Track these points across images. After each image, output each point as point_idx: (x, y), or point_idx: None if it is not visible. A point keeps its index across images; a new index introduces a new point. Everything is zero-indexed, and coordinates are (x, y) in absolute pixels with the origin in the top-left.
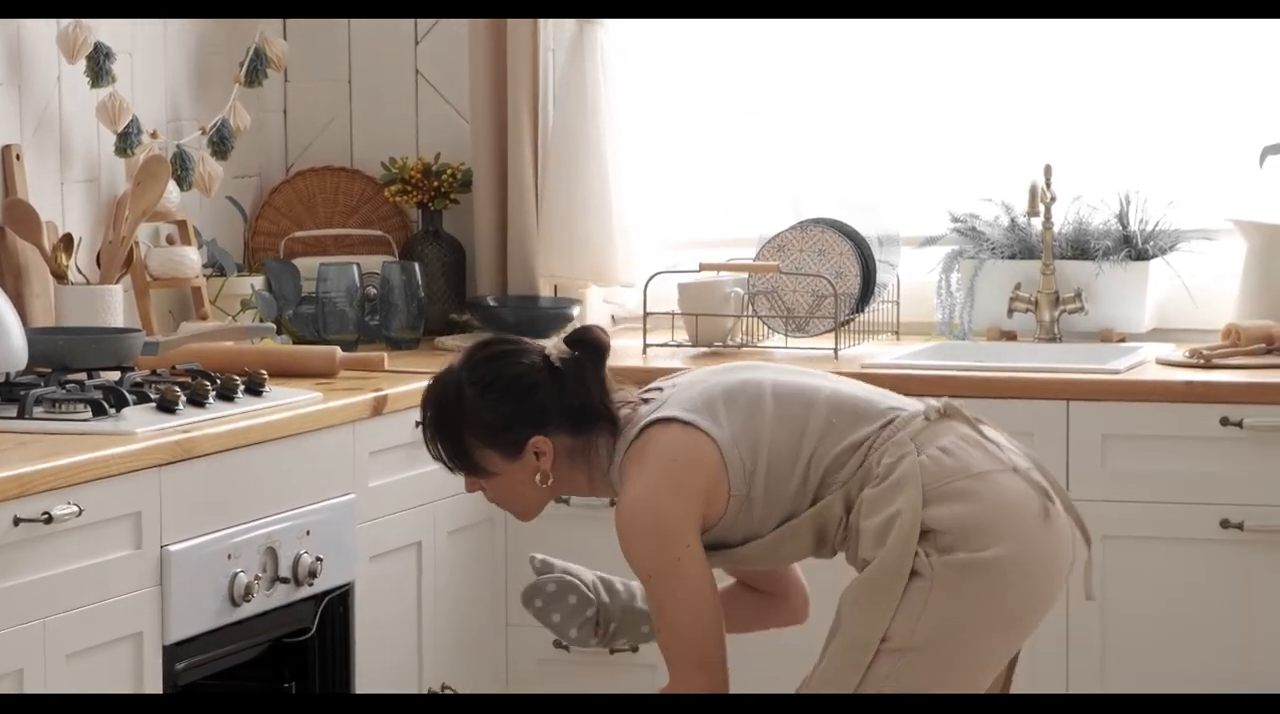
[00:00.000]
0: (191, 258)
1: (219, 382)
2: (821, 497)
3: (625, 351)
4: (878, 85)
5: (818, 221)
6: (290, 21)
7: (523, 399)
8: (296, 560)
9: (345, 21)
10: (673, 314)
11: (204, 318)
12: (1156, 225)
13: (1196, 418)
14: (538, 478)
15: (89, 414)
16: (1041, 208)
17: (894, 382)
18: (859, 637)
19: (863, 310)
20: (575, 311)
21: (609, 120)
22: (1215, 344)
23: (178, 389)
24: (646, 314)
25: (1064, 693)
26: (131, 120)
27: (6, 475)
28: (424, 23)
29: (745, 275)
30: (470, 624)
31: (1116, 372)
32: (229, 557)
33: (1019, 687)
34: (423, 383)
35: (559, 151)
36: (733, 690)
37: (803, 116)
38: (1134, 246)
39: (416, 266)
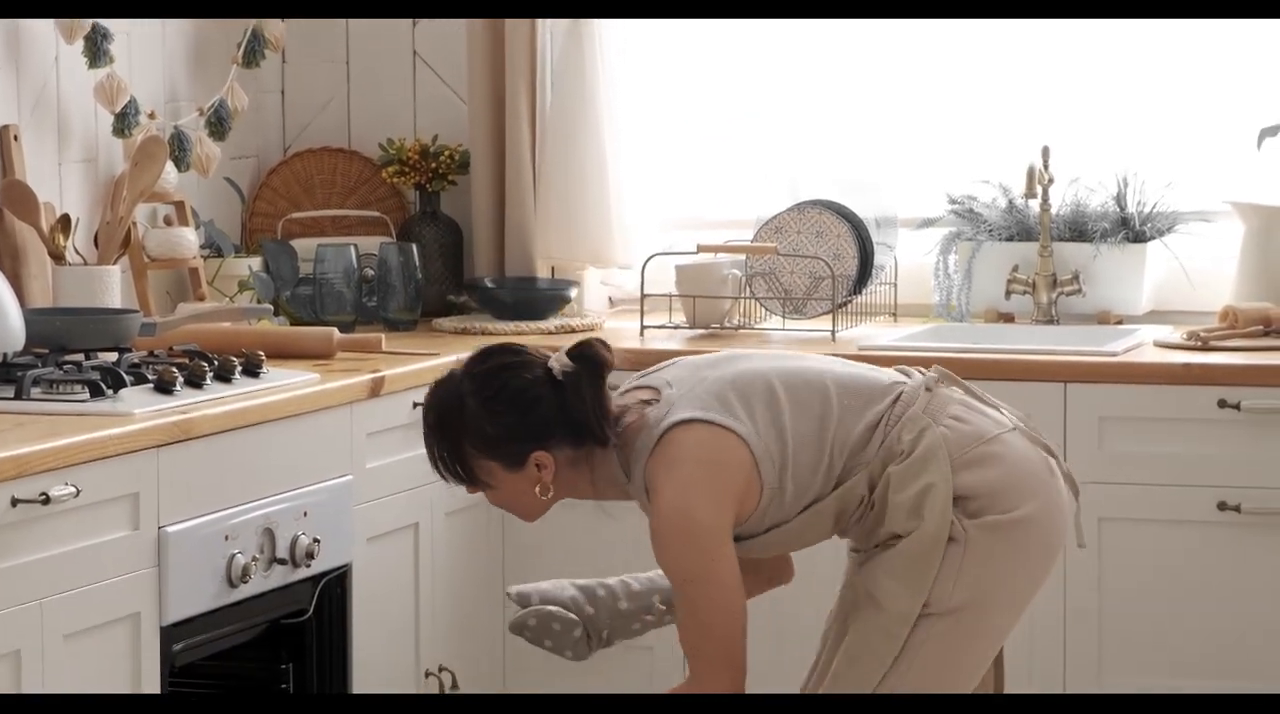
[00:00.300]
0: (189, 239)
1: (216, 363)
2: (846, 479)
3: (623, 333)
4: (875, 67)
5: (815, 203)
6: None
7: (526, 412)
8: (294, 542)
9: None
10: (670, 296)
11: (201, 299)
12: (1154, 207)
13: (1194, 400)
14: (538, 489)
15: (86, 395)
16: (1039, 190)
17: (892, 363)
18: (900, 609)
19: (860, 292)
20: (572, 293)
21: (606, 102)
22: (1213, 326)
23: (175, 370)
24: (644, 296)
25: (1061, 675)
26: (129, 101)
27: (4, 456)
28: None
29: (743, 257)
30: (467, 605)
31: (1114, 354)
32: (226, 538)
33: (1015, 663)
34: (420, 365)
35: (556, 133)
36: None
37: (800, 98)
38: (1132, 228)
39: (414, 248)
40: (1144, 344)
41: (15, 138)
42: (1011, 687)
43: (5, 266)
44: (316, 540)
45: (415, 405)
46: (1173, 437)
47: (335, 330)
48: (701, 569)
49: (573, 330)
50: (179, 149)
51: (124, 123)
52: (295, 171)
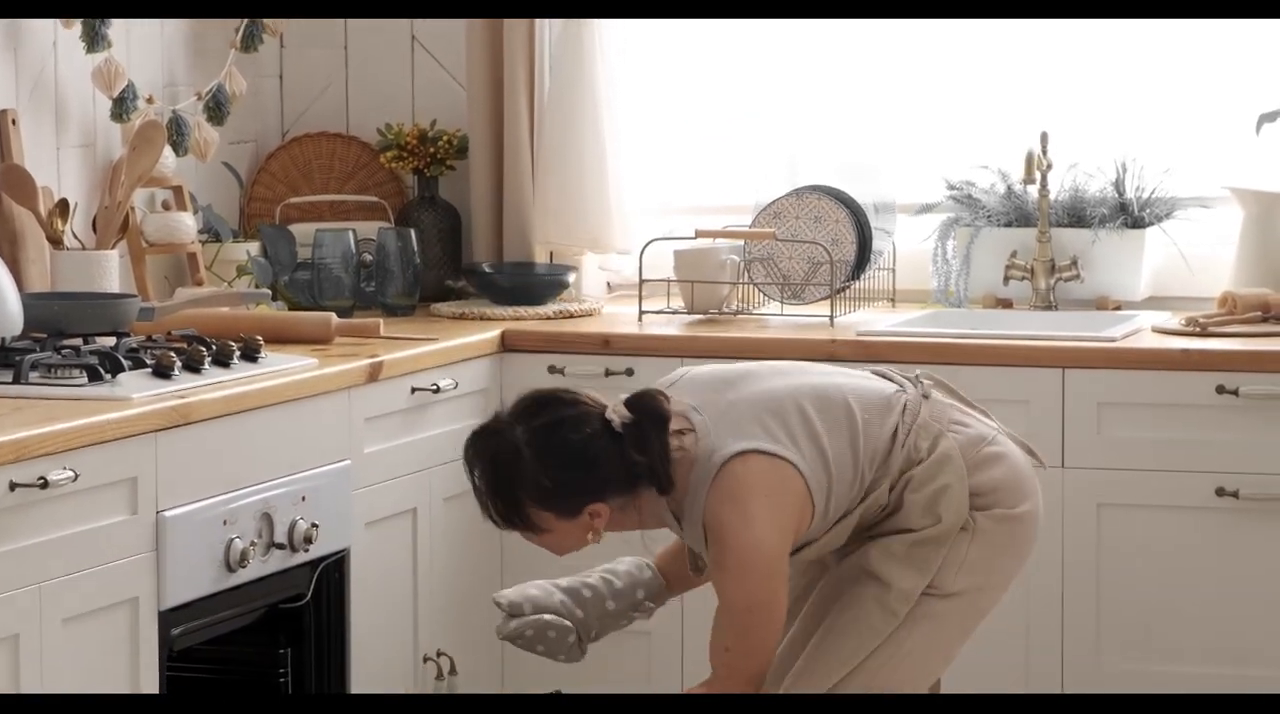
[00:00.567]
0: (187, 223)
1: (215, 347)
2: (873, 490)
3: (620, 318)
4: (874, 53)
5: (814, 188)
6: None
7: (588, 470)
8: (292, 526)
9: None
10: (668, 281)
11: (200, 284)
12: (1153, 193)
13: (1192, 386)
14: (590, 535)
15: (85, 379)
16: (1038, 175)
17: (890, 349)
18: (906, 587)
19: (858, 277)
20: (571, 278)
21: (605, 87)
22: (1211, 312)
23: (173, 355)
24: (642, 281)
25: (1059, 658)
26: (127, 85)
27: (2, 440)
28: None
29: (741, 242)
30: (465, 590)
31: (1112, 339)
32: (225, 522)
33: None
34: (418, 350)
35: (555, 118)
36: None
37: (799, 84)
38: (1130, 214)
39: (412, 233)
40: (1142, 330)
41: (13, 122)
42: (1010, 671)
43: (3, 251)
44: (315, 525)
45: (414, 390)
46: (1171, 422)
47: (333, 315)
48: (766, 599)
49: (571, 315)
50: (177, 134)
51: (122, 107)
52: (293, 156)
